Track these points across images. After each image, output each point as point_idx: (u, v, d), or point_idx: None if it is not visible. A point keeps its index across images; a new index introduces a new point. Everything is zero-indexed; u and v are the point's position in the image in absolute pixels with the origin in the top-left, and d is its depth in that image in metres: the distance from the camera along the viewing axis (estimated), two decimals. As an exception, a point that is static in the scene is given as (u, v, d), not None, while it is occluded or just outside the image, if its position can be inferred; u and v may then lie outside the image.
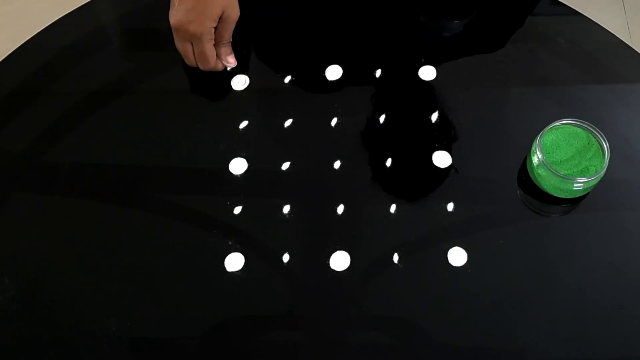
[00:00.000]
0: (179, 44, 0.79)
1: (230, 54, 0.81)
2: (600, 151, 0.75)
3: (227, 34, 0.79)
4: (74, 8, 0.94)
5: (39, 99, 0.87)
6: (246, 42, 0.91)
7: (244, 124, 0.83)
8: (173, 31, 0.78)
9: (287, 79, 0.86)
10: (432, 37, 0.92)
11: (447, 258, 0.73)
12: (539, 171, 0.75)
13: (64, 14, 0.93)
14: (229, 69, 0.83)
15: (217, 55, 0.81)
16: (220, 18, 0.78)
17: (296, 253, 0.74)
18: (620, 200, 0.78)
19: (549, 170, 0.73)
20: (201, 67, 0.80)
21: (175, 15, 0.76)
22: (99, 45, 0.92)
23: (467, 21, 0.92)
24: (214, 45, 0.80)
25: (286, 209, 0.76)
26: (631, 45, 0.89)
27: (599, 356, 0.69)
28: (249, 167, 0.80)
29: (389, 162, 0.80)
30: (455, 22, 0.93)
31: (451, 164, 0.79)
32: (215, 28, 0.79)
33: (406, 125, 0.83)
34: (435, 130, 0.82)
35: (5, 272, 0.74)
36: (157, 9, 0.95)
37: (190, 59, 0.80)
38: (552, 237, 0.76)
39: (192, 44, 0.79)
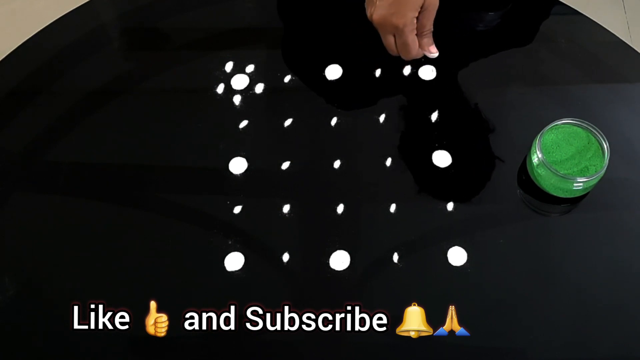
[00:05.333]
0: (383, 37, 0.78)
1: (432, 44, 0.79)
2: (600, 151, 0.75)
3: (429, 23, 0.77)
4: (74, 8, 0.94)
5: (39, 98, 0.87)
6: (246, 41, 0.91)
7: (244, 123, 0.83)
8: (376, 26, 0.76)
9: (287, 79, 0.86)
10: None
11: (447, 258, 0.73)
12: (539, 171, 0.75)
13: (64, 13, 0.93)
14: (433, 56, 0.80)
15: (419, 46, 0.78)
16: (421, 7, 0.76)
17: (296, 253, 0.74)
18: (620, 200, 0.78)
19: (549, 169, 0.73)
20: (403, 57, 0.78)
21: (377, 11, 0.75)
22: (99, 45, 0.92)
23: (469, 21, 0.92)
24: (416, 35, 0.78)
25: (286, 208, 0.76)
26: (631, 45, 0.89)
27: (599, 356, 0.69)
28: (249, 166, 0.80)
29: (389, 162, 0.80)
30: (458, 20, 0.93)
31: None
32: (417, 18, 0.77)
33: (406, 125, 0.83)
34: (435, 130, 0.82)
35: (5, 272, 0.74)
36: (157, 9, 0.95)
37: (393, 51, 0.78)
38: (552, 236, 0.76)
39: (394, 36, 0.77)
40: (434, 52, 0.79)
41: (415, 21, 0.75)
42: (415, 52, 0.78)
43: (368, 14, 0.77)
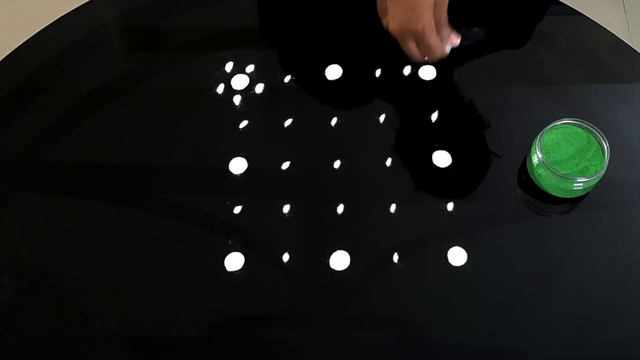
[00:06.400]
0: (403, 46, 0.77)
1: (451, 33, 0.78)
2: (600, 151, 0.75)
3: (443, 16, 0.76)
4: (74, 8, 0.94)
5: (39, 98, 0.87)
6: (246, 41, 0.91)
7: (244, 123, 0.83)
8: (395, 36, 0.75)
9: (287, 79, 0.86)
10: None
11: (447, 258, 0.73)
12: (539, 171, 0.75)
13: (64, 13, 0.93)
14: (457, 44, 0.78)
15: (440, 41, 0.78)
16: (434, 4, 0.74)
17: (296, 253, 0.74)
18: (620, 200, 0.78)
19: (549, 169, 0.73)
20: (429, 60, 0.78)
21: (393, 21, 0.74)
22: (99, 45, 0.92)
23: (469, 22, 0.92)
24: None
25: (286, 208, 0.76)
26: (631, 45, 0.89)
27: (599, 356, 0.69)
28: (249, 166, 0.80)
29: (389, 162, 0.80)
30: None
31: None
32: None
33: (406, 125, 0.83)
34: (435, 130, 0.82)
35: (5, 272, 0.74)
36: (157, 9, 0.95)
37: (417, 56, 0.77)
38: (552, 236, 0.76)
39: (415, 42, 0.76)
40: (456, 41, 0.78)
41: (432, 21, 0.74)
42: (441, 52, 0.77)
43: (383, 24, 0.76)
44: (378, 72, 0.87)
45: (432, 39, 0.74)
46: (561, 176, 0.73)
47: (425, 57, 0.77)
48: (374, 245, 0.75)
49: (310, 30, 0.92)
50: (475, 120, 0.83)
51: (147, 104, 0.86)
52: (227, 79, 0.86)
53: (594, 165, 0.74)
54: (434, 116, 0.83)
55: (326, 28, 0.92)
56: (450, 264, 0.73)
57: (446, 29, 0.77)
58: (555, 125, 0.76)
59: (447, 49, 0.78)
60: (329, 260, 0.73)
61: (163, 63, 0.89)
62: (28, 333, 0.71)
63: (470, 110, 0.84)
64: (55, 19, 0.93)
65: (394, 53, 0.89)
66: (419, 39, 0.75)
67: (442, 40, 0.77)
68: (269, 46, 0.90)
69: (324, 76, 0.86)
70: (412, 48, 0.76)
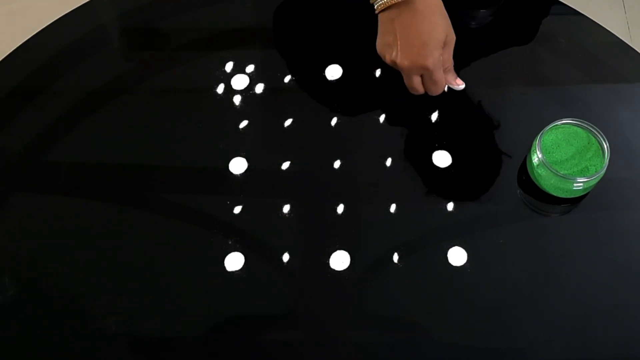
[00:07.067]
0: (408, 79, 0.77)
1: (457, 77, 0.80)
2: (600, 151, 0.75)
3: (450, 57, 0.78)
4: (74, 8, 0.94)
5: (39, 98, 0.87)
6: (246, 41, 0.91)
7: (244, 123, 0.83)
8: (403, 70, 0.76)
9: (287, 79, 0.86)
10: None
11: (447, 258, 0.73)
12: (539, 171, 0.75)
13: (64, 13, 0.93)
14: (460, 88, 0.80)
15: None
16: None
17: (296, 253, 0.74)
18: (620, 199, 0.78)
19: (549, 169, 0.73)
20: (431, 94, 0.79)
21: (403, 55, 0.74)
22: (99, 45, 0.92)
23: (469, 21, 0.92)
24: None
25: (286, 208, 0.76)
26: (631, 45, 0.89)
27: (599, 356, 0.69)
28: (249, 166, 0.80)
29: (389, 162, 0.80)
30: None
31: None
32: None
33: (406, 125, 0.83)
34: (435, 130, 0.82)
35: (5, 272, 0.74)
36: (157, 9, 0.95)
37: (419, 91, 0.78)
38: (552, 236, 0.76)
39: (420, 76, 0.77)
40: (461, 85, 0.80)
41: (441, 58, 0.75)
42: (443, 87, 0.78)
43: (388, 59, 0.76)
44: (378, 72, 0.87)
45: (439, 74, 0.75)
46: (561, 176, 0.73)
47: (428, 91, 0.78)
48: (374, 245, 0.75)
49: (310, 30, 0.92)
50: (476, 120, 0.83)
51: (147, 104, 0.86)
52: (227, 79, 0.86)
53: (594, 165, 0.74)
54: (434, 116, 0.83)
55: (326, 28, 0.92)
56: (450, 264, 0.73)
57: (451, 73, 0.79)
58: (555, 125, 0.76)
59: (458, 87, 0.80)
60: (329, 260, 0.73)
61: (163, 63, 0.89)
62: (28, 333, 0.71)
63: (470, 110, 0.84)
64: (55, 19, 0.93)
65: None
66: (426, 74, 0.76)
67: (447, 81, 0.78)
68: (269, 46, 0.90)
69: (324, 76, 0.86)
70: (416, 82, 0.77)
